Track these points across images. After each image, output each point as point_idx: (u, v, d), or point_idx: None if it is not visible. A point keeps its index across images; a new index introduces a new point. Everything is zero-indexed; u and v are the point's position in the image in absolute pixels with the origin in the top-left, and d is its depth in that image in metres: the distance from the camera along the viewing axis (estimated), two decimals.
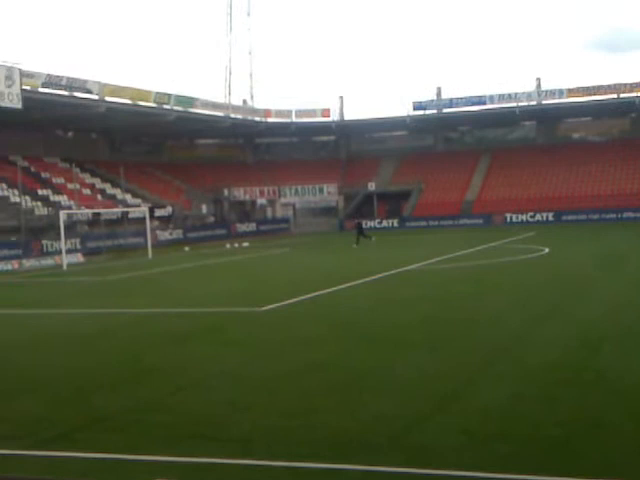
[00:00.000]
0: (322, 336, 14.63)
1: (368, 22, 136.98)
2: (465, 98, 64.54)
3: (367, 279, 24.05)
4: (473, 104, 64.19)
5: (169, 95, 55.55)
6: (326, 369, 11.83)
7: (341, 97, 69.13)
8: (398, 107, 68.62)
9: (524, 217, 57.62)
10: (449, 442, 8.12)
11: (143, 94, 53.53)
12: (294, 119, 67.31)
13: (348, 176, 67.19)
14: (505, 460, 7.50)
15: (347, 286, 22.55)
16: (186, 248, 45.11)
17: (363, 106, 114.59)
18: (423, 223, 59.64)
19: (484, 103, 63.63)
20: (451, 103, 64.86)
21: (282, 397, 10.26)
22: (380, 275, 25.10)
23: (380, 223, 61.45)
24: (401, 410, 9.36)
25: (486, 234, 45.24)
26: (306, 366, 12.05)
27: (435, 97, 66.21)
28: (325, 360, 12.46)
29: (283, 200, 65.07)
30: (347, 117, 69.12)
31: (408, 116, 65.27)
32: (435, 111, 65.31)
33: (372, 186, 64.13)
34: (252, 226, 60.06)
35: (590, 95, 61.07)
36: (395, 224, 61.22)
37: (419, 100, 65.25)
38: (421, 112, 65.27)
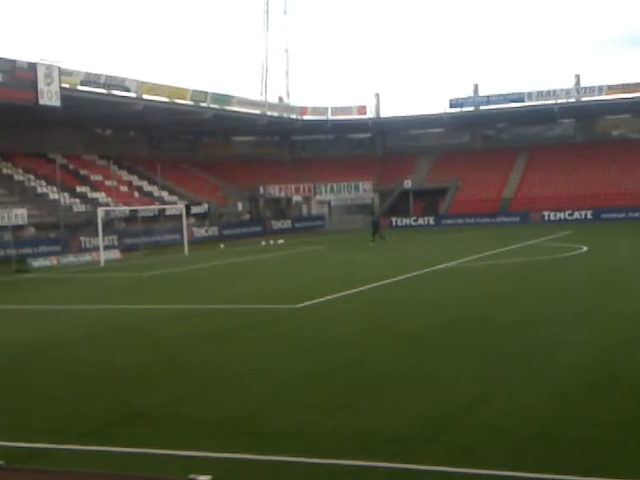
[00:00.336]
0: (356, 334, 14.57)
1: (405, 19, 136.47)
2: (503, 95, 64.04)
3: (402, 277, 23.93)
4: (511, 101, 63.63)
5: (206, 93, 55.85)
6: (360, 367, 11.77)
7: (377, 94, 68.97)
8: (434, 104, 68.19)
9: (562, 215, 56.96)
10: (485, 441, 8.03)
11: (180, 92, 53.89)
12: (330, 116, 67.29)
13: (384, 173, 66.98)
14: (543, 460, 7.38)
15: (382, 284, 22.45)
16: (221, 245, 45.30)
17: (399, 103, 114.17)
18: (459, 221, 59.23)
19: (522, 100, 63.04)
20: (488, 100, 64.39)
21: (316, 394, 10.22)
22: (415, 273, 24.95)
23: (416, 221, 61.17)
24: (436, 409, 9.27)
25: (523, 232, 44.81)
26: (340, 364, 12.01)
27: (472, 94, 65.78)
28: (359, 358, 12.41)
29: (318, 197, 65.07)
30: (383, 114, 68.91)
31: (445, 113, 64.92)
32: (472, 108, 64.90)
33: (408, 183, 63.86)
34: (287, 223, 60.14)
35: (630, 92, 60.20)
36: (431, 222, 60.90)
37: (456, 97, 64.89)
38: (458, 109, 64.88)
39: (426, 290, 21.23)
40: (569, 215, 56.83)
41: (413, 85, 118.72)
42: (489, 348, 12.75)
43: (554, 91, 62.09)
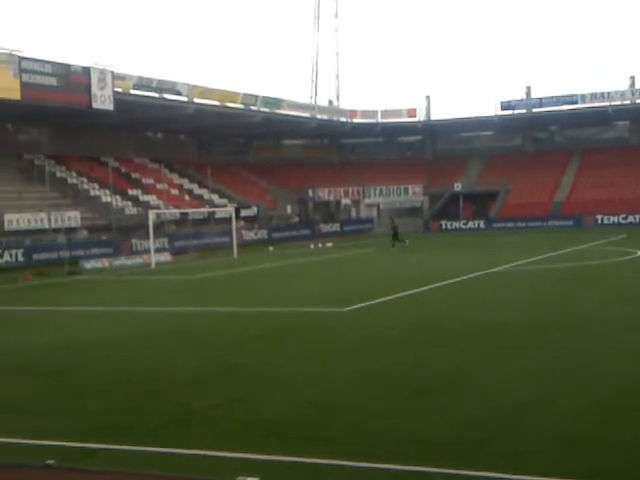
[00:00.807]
0: (406, 337, 14.48)
1: (457, 20, 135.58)
2: (555, 97, 63.15)
3: (452, 280, 23.72)
4: (564, 103, 62.72)
5: (256, 96, 56.15)
6: (410, 370, 11.68)
7: (428, 97, 68.59)
8: (486, 106, 67.57)
9: (616, 219, 55.92)
10: (537, 448, 7.88)
11: (231, 95, 54.26)
12: (380, 119, 67.11)
13: (434, 176, 66.54)
14: (598, 468, 7.22)
15: (432, 287, 22.29)
16: (270, 248, 45.44)
17: (450, 105, 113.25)
18: (510, 224, 58.53)
19: (575, 102, 62.09)
20: (541, 103, 63.56)
21: (365, 398, 10.16)
22: (466, 277, 24.72)
23: (466, 224, 60.65)
24: (487, 414, 9.14)
25: (576, 236, 44.12)
26: (389, 367, 11.93)
27: (524, 96, 65.03)
28: (409, 361, 12.32)
29: (367, 200, 64.92)
30: (433, 117, 68.49)
31: (496, 116, 64.26)
32: (524, 111, 64.11)
33: (458, 186, 63.36)
34: (336, 226, 60.10)
35: None
36: (481, 225, 60.30)
37: (508, 99, 64.23)
38: (510, 112, 64.17)
39: (477, 293, 21.01)
40: (623, 219, 55.76)
41: (464, 87, 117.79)
42: (540, 352, 12.57)
43: (608, 93, 61.01)
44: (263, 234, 51.81)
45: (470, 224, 60.58)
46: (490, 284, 23.32)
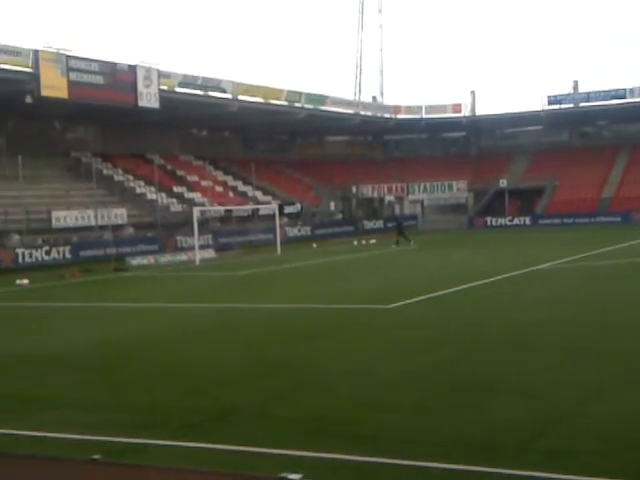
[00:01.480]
0: (450, 335, 14.38)
1: (501, 15, 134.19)
2: (603, 92, 62.14)
3: (497, 277, 23.50)
4: (612, 98, 61.67)
5: (300, 93, 56.23)
6: (454, 368, 11.59)
7: (473, 92, 67.96)
8: (532, 101, 66.60)
9: None
10: (584, 448, 7.77)
11: (275, 92, 54.42)
12: (424, 115, 66.70)
13: (478, 172, 65.97)
14: None
15: (476, 284, 22.11)
16: (314, 245, 45.49)
17: (495, 100, 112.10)
18: (557, 221, 57.76)
19: (623, 97, 61.02)
20: (588, 97, 62.60)
21: (408, 395, 10.11)
22: (511, 274, 24.47)
23: (511, 221, 60.00)
24: (532, 412, 9.03)
25: (624, 232, 43.39)
26: (433, 364, 11.86)
27: (571, 91, 64.11)
28: (453, 359, 12.22)
29: (411, 197, 64.62)
30: (479, 112, 67.84)
31: (543, 111, 63.46)
32: (571, 105, 63.22)
33: (503, 182, 62.70)
34: (379, 223, 59.92)
35: None
36: (527, 222, 59.61)
37: (554, 94, 63.37)
38: (556, 106, 63.33)
39: (524, 290, 20.79)
40: None
41: (510, 82, 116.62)
42: (589, 350, 12.38)
43: None
44: (306, 231, 51.87)
45: (516, 221, 59.92)
46: (535, 281, 23.04)
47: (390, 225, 57.98)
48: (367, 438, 8.34)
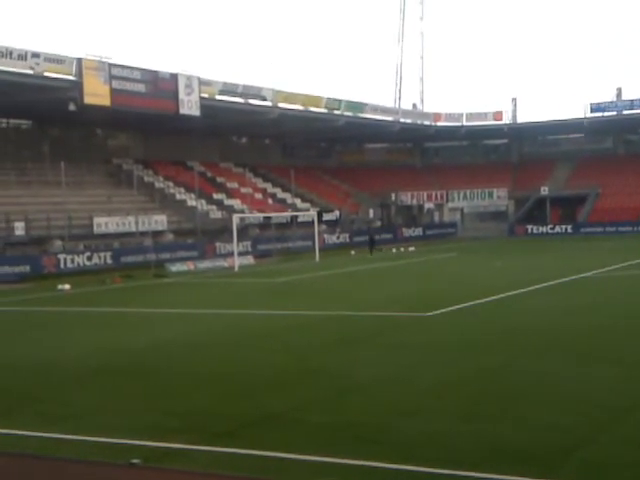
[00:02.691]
0: (490, 343, 14.23)
1: (544, 21, 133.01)
2: None
3: (538, 286, 23.22)
4: None
5: (339, 101, 56.26)
6: (494, 376, 11.48)
7: (514, 99, 67.39)
8: (574, 109, 65.85)
9: None
10: (625, 458, 7.61)
11: (314, 100, 54.52)
12: (464, 122, 66.32)
13: (519, 180, 65.35)
14: None
15: (517, 293, 21.87)
16: (352, 252, 45.41)
17: (537, 108, 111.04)
18: (599, 229, 56.97)
19: None
20: (632, 104, 61.72)
21: (448, 403, 10.01)
22: (553, 282, 24.17)
23: (553, 229, 59.31)
24: (573, 422, 8.90)
25: None
26: (474, 372, 11.75)
27: (615, 98, 63.28)
28: (493, 367, 12.10)
29: (451, 204, 64.23)
30: (520, 119, 67.24)
31: (585, 118, 62.71)
32: (614, 113, 62.38)
33: (545, 190, 62.02)
34: (418, 230, 59.65)
35: None
36: (569, 230, 58.88)
37: (597, 102, 62.61)
38: (599, 114, 62.55)
39: (566, 299, 20.54)
40: None
41: (552, 89, 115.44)
42: (633, 359, 12.15)
43: None
44: (345, 238, 51.82)
45: (557, 229, 59.23)
46: (577, 290, 22.74)
47: (429, 233, 57.83)
48: (405, 445, 8.27)
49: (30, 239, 36.58)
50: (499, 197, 62.63)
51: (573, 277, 25.47)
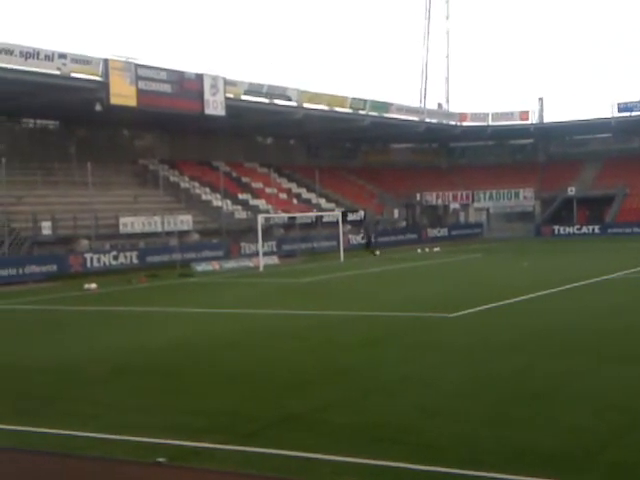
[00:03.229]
0: (515, 344, 14.15)
1: (569, 21, 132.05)
2: None
3: (564, 287, 23.06)
4: None
5: (365, 101, 56.20)
6: (519, 377, 11.41)
7: (541, 99, 67.01)
8: (601, 109, 65.28)
9: None
10: None
11: (339, 100, 54.50)
12: (490, 122, 65.99)
13: (546, 180, 64.93)
14: None
15: (543, 294, 21.73)
16: (377, 252, 45.35)
17: (563, 107, 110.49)
18: (627, 230, 56.44)
19: None
20: None
21: (473, 404, 9.97)
22: (579, 283, 23.99)
23: (579, 229, 58.86)
24: (599, 424, 8.83)
25: None
26: (498, 374, 11.69)
27: None
28: (518, 368, 12.03)
29: (477, 205, 63.94)
30: (546, 119, 66.82)
31: (613, 118, 62.16)
32: None
33: (572, 190, 61.58)
34: (444, 231, 59.44)
35: None
36: (596, 230, 58.39)
37: (625, 101, 62.02)
38: (627, 114, 61.97)
39: (593, 300, 20.38)
40: None
41: (578, 89, 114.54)
42: None
43: None
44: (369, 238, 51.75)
45: (584, 229, 58.78)
46: (604, 291, 22.56)
47: (455, 233, 57.62)
48: (429, 447, 8.25)
49: (57, 239, 36.91)
50: (525, 197, 62.25)
51: (600, 278, 25.26)
